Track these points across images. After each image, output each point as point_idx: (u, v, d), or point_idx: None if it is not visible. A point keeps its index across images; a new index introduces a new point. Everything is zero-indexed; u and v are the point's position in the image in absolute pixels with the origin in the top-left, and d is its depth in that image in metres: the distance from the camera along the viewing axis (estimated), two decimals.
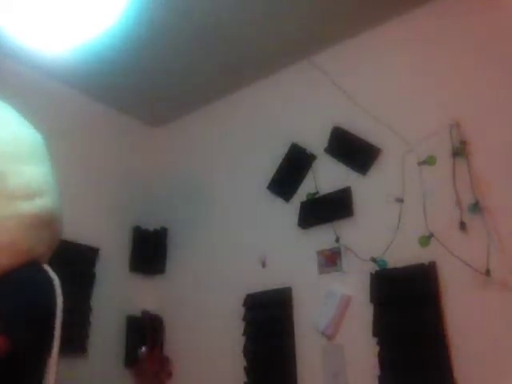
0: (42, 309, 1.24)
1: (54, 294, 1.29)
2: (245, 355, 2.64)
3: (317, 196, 2.65)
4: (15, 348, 1.12)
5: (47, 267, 1.33)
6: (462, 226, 2.17)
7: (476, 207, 2.13)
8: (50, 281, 1.30)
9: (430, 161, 2.32)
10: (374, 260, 2.33)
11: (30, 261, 1.25)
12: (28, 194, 1.26)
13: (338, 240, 2.49)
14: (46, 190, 1.31)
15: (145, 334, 2.98)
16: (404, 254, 2.27)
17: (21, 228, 1.23)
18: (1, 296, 1.15)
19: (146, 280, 3.21)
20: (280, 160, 2.86)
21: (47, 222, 1.30)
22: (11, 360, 1.12)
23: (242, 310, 2.73)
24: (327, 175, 2.66)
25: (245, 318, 2.71)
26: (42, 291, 1.27)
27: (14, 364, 1.15)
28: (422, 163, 2.34)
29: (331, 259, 2.51)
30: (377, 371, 2.20)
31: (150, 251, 3.24)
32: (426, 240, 2.22)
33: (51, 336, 1.27)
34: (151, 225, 3.33)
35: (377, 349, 2.23)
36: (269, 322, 2.64)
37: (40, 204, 1.27)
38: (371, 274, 2.35)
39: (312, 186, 2.68)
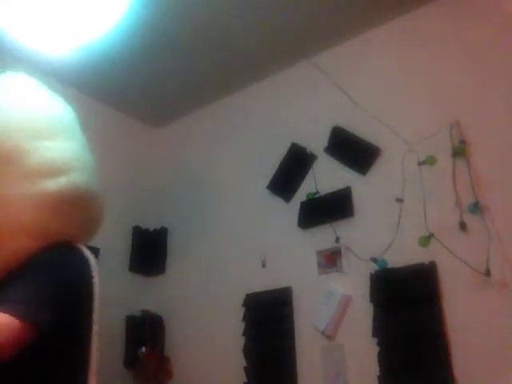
0: (72, 291, 1.16)
1: (87, 274, 1.21)
2: (245, 355, 2.64)
3: (317, 196, 2.65)
4: (41, 334, 1.06)
5: (81, 247, 1.24)
6: (462, 226, 2.17)
7: (476, 207, 2.13)
8: (83, 261, 1.22)
9: (429, 161, 2.31)
10: (374, 260, 2.33)
11: (60, 241, 1.17)
12: (51, 171, 1.17)
13: (337, 240, 2.49)
14: (72, 167, 1.22)
15: (145, 334, 2.98)
16: (404, 254, 2.27)
17: (43, 207, 1.15)
18: (24, 280, 1.09)
19: (146, 280, 3.21)
20: (280, 160, 2.85)
21: (74, 201, 1.21)
22: (43, 347, 1.07)
23: (241, 310, 2.73)
24: (327, 175, 2.66)
25: (245, 318, 2.71)
26: (72, 272, 1.18)
27: (46, 351, 1.09)
28: (422, 163, 2.34)
29: (331, 259, 2.51)
30: (377, 371, 2.20)
31: (150, 251, 3.23)
32: (425, 240, 2.22)
33: (86, 319, 1.19)
34: (151, 225, 3.32)
35: (377, 349, 2.23)
36: (269, 321, 2.64)
37: (65, 181, 1.18)
38: (371, 274, 2.35)
39: (312, 186, 2.68)
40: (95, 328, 1.19)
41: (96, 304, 1.21)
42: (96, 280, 1.23)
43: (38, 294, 1.08)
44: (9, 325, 1.02)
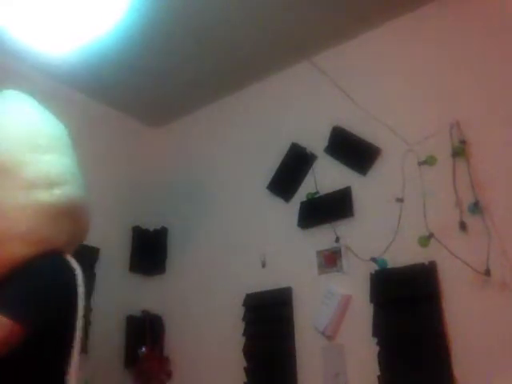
0: (59, 298, 1.23)
1: (74, 283, 1.27)
2: (245, 355, 2.64)
3: (317, 196, 2.65)
4: (29, 335, 1.11)
5: (69, 257, 1.31)
6: (462, 225, 2.17)
7: (476, 207, 2.13)
8: (70, 270, 1.28)
9: (429, 161, 2.32)
10: (374, 260, 2.33)
11: (50, 250, 1.24)
12: (46, 183, 1.24)
13: (337, 240, 2.49)
14: (66, 180, 1.30)
15: (145, 334, 2.98)
16: (404, 254, 2.27)
17: (38, 217, 1.21)
18: (16, 283, 1.15)
19: (146, 280, 3.21)
20: (280, 160, 2.85)
21: (67, 212, 1.28)
22: (28, 348, 1.11)
23: (241, 310, 2.73)
24: (327, 175, 2.66)
25: (245, 318, 2.71)
26: (60, 280, 1.25)
27: (32, 352, 1.14)
28: (422, 163, 2.34)
29: (331, 259, 2.51)
30: (377, 371, 2.20)
31: (149, 251, 3.23)
32: (425, 240, 2.22)
33: (73, 326, 1.25)
34: (151, 225, 3.32)
35: (377, 349, 2.23)
36: (269, 321, 2.64)
37: (59, 193, 1.26)
38: (371, 274, 2.35)
39: (312, 186, 2.68)
40: (78, 334, 1.26)
41: (80, 312, 1.27)
42: (81, 290, 1.28)
43: (27, 298, 1.15)
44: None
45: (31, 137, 1.29)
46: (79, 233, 1.38)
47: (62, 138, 1.41)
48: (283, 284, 2.62)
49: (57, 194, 1.25)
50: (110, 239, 3.08)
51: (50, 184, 1.25)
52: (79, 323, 1.26)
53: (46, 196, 1.23)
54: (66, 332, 1.24)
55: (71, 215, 1.30)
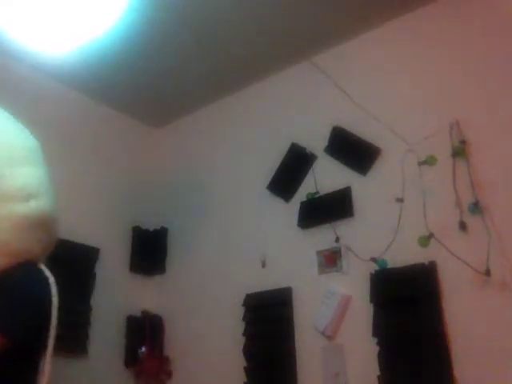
0: (37, 307, 1.26)
1: (49, 293, 1.30)
2: (245, 355, 2.64)
3: (317, 196, 2.65)
4: (9, 346, 1.13)
5: (43, 267, 1.35)
6: (462, 225, 2.17)
7: (476, 207, 2.13)
8: (45, 280, 1.32)
9: (429, 161, 2.31)
10: (374, 260, 2.33)
11: (25, 261, 1.27)
12: (23, 196, 1.27)
13: (337, 240, 2.49)
14: (40, 192, 1.33)
15: (145, 334, 2.98)
16: (404, 254, 2.27)
17: (15, 229, 1.25)
18: None
19: (146, 280, 3.21)
20: (280, 160, 2.85)
21: (42, 224, 1.31)
22: (5, 358, 1.13)
23: (241, 310, 2.73)
24: (327, 175, 2.66)
25: (245, 318, 2.71)
26: (37, 290, 1.28)
27: (8, 362, 1.16)
28: (422, 163, 2.33)
29: (331, 259, 2.51)
30: (377, 371, 2.20)
31: (149, 251, 3.24)
32: (425, 240, 2.21)
33: (46, 335, 1.28)
34: (151, 225, 3.32)
35: (377, 349, 2.23)
36: (269, 321, 2.64)
37: (35, 206, 1.29)
38: (371, 274, 2.35)
39: (312, 186, 2.68)
40: (50, 343, 1.29)
41: (54, 321, 1.30)
42: (55, 299, 1.32)
43: (7, 310, 1.17)
44: None
45: (7, 150, 1.32)
46: (50, 242, 1.42)
47: (35, 151, 1.44)
48: (283, 284, 2.62)
49: (32, 206, 1.28)
50: (110, 239, 3.08)
51: (26, 196, 1.28)
52: (52, 332, 1.29)
53: (22, 208, 1.26)
54: (39, 341, 1.27)
55: (45, 226, 1.33)
